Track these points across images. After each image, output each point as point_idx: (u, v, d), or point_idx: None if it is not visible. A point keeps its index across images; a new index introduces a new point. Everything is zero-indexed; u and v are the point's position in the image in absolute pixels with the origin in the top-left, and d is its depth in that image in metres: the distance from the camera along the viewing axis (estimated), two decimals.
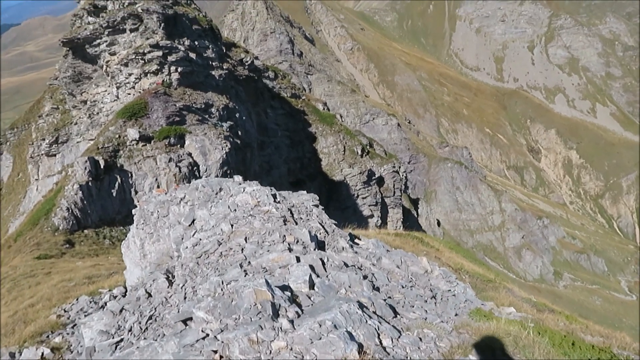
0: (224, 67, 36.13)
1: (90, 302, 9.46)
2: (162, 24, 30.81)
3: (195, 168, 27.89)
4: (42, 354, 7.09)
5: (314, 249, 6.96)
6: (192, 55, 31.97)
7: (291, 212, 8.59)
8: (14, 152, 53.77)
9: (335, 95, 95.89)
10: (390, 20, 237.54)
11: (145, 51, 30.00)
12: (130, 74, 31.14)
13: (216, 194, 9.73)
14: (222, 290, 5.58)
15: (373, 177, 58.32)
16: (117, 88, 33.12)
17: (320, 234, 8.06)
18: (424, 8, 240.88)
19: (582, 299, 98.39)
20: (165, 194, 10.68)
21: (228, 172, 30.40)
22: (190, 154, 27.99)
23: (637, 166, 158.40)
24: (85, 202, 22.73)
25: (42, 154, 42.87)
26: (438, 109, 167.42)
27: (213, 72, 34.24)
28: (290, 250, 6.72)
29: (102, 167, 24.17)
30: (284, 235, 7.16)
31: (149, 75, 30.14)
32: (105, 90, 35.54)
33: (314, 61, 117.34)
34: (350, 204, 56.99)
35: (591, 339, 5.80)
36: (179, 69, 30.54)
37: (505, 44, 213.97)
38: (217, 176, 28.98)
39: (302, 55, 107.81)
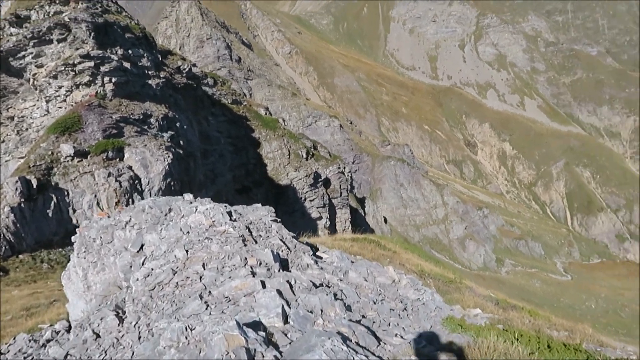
0: (161, 76, 34.98)
1: (30, 340, 8.23)
2: (92, 33, 29.36)
3: (136, 182, 26.75)
4: None
5: (279, 270, 6.60)
6: (127, 64, 30.69)
7: (249, 230, 8.11)
8: None
9: (276, 100, 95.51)
10: (326, 23, 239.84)
11: (76, 62, 28.47)
12: (60, 87, 29.48)
13: (165, 215, 8.97)
14: (186, 338, 4.84)
15: (319, 179, 58.47)
16: (47, 102, 31.27)
17: (282, 251, 7.68)
18: (359, 10, 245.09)
19: (523, 283, 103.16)
20: (108, 217, 9.69)
21: (172, 183, 29.42)
22: (130, 167, 26.81)
23: (564, 154, 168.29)
24: (18, 225, 21.19)
25: None
26: (378, 109, 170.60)
27: (150, 82, 33.05)
28: (253, 274, 6.26)
29: (34, 186, 22.65)
30: (245, 258, 6.69)
31: (80, 87, 28.62)
32: (34, 105, 33.48)
33: (253, 66, 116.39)
34: (298, 207, 56.89)
35: (557, 334, 5.87)
36: (113, 80, 29.22)
37: (437, 43, 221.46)
38: (160, 189, 27.95)
39: (240, 60, 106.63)
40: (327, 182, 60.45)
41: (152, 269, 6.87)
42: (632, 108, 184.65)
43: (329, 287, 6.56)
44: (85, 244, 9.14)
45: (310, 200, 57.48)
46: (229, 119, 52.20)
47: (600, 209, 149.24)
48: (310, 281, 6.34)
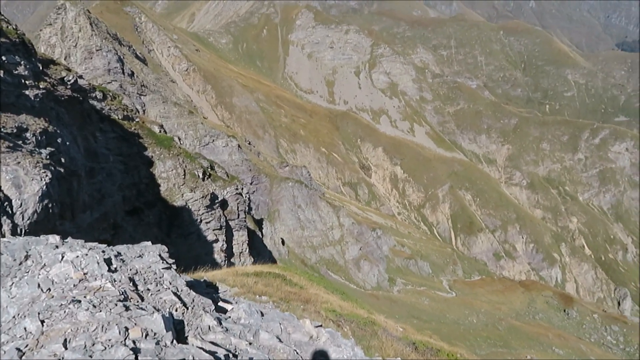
0: (41, 87, 31.80)
1: None
2: None
3: (6, 204, 23.69)
4: None
5: (172, 342, 5.02)
6: (0, 72, 27.45)
7: (134, 284, 6.47)
8: None
9: (172, 117, 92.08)
10: (225, 42, 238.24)
11: None
12: None
13: (20, 264, 6.90)
14: None
15: (216, 201, 56.81)
16: None
17: (177, 309, 6.16)
18: (258, 32, 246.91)
19: (414, 301, 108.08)
20: None
21: (50, 205, 26.54)
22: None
23: (449, 178, 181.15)
24: None
25: None
26: (277, 130, 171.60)
27: (27, 92, 29.84)
28: (137, 353, 4.64)
29: None
30: (126, 329, 5.01)
31: None
32: None
33: (147, 81, 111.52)
34: (194, 229, 54.73)
35: None
36: None
37: (334, 69, 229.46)
38: (35, 212, 25.06)
39: (133, 75, 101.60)
40: (224, 204, 58.98)
41: None
42: (506, 137, 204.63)
43: (237, 357, 5.43)
44: None
45: (207, 222, 55.52)
46: (120, 136, 48.98)
47: (480, 230, 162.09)
48: (213, 353, 5.13)
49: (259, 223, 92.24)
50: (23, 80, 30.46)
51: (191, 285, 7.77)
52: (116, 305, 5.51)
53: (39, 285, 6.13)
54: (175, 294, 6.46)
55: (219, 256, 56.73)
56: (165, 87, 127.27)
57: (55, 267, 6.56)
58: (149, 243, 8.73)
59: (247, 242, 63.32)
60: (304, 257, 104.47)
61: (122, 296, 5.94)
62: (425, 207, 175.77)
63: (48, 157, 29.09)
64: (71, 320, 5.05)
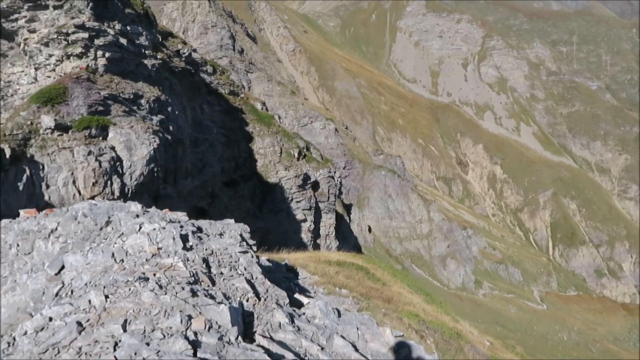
0: (158, 57, 33.76)
1: None
2: (91, 4, 28.07)
3: (118, 164, 25.53)
4: None
5: (236, 339, 4.47)
6: (123, 40, 29.43)
7: (208, 265, 6.04)
8: None
9: (274, 96, 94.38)
10: (333, 25, 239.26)
11: (69, 31, 27.16)
12: (50, 55, 28.16)
13: (100, 229, 6.84)
14: None
15: (308, 181, 57.55)
16: (36, 69, 29.92)
17: (248, 300, 5.61)
18: (367, 17, 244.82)
19: (499, 307, 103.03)
20: (35, 217, 7.56)
21: (155, 169, 28.23)
22: (113, 148, 25.59)
23: (553, 184, 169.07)
24: None
25: None
26: (375, 117, 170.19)
27: (145, 61, 31.82)
28: (196, 347, 4.17)
29: (7, 156, 21.36)
30: (189, 317, 4.54)
31: (72, 58, 27.31)
32: (22, 71, 32.08)
33: (255, 59, 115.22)
34: (284, 207, 55.92)
35: None
36: (107, 54, 27.95)
37: (441, 59, 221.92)
38: (142, 174, 26.76)
39: (243, 52, 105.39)
40: (315, 185, 59.56)
41: (51, 319, 4.67)
42: (625, 146, 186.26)
43: None
44: None
45: (297, 202, 56.51)
46: (224, 110, 51.06)
47: (583, 242, 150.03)
48: (281, 355, 4.58)
49: (347, 208, 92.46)
50: (143, 50, 32.48)
51: (269, 270, 7.40)
52: (183, 288, 5.11)
53: (113, 254, 6.04)
54: (248, 281, 5.98)
55: (305, 236, 57.65)
56: (271, 66, 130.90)
57: (132, 237, 6.36)
58: (232, 221, 8.27)
59: (334, 225, 63.68)
60: (389, 248, 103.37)
61: (193, 278, 5.58)
62: (523, 211, 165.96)
63: (158, 124, 30.90)
64: (134, 300, 4.77)
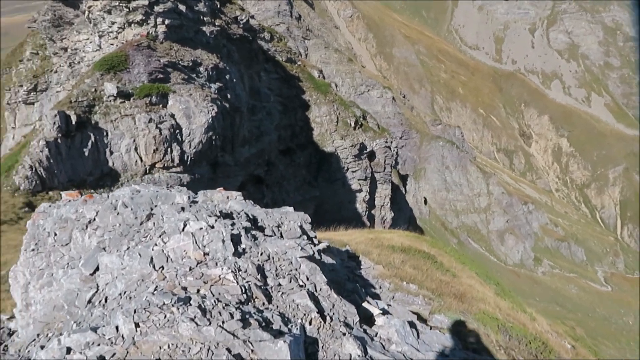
0: (217, 24, 33.56)
1: None
2: None
3: (177, 131, 25.78)
4: None
5: None
6: (182, 7, 29.34)
7: (263, 275, 5.18)
8: None
9: (331, 63, 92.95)
10: None
11: None
12: (113, 23, 28.53)
13: (141, 224, 6.07)
14: None
15: (364, 151, 56.73)
16: (100, 37, 30.50)
17: (312, 321, 4.71)
18: None
19: (559, 287, 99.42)
20: (75, 200, 6.96)
21: (213, 137, 28.35)
22: (172, 116, 25.81)
23: (625, 159, 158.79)
24: (52, 161, 20.61)
25: (19, 101, 40.34)
26: (434, 86, 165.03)
27: (204, 28, 31.69)
28: None
29: (74, 123, 21.96)
30: (239, 358, 3.79)
31: (132, 25, 27.55)
32: (87, 39, 32.86)
33: (312, 26, 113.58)
34: (340, 176, 55.52)
35: None
36: (167, 22, 27.98)
37: (506, 24, 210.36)
38: (201, 142, 26.92)
39: (300, 18, 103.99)
40: (372, 155, 58.63)
41: (69, 351, 3.92)
42: None
43: None
44: (36, 237, 6.67)
45: (353, 171, 55.93)
46: (281, 77, 50.68)
47: None
48: None
49: (403, 179, 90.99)
50: (202, 17, 32.33)
51: (332, 269, 6.36)
52: (232, 316, 4.14)
53: (151, 260, 5.26)
54: (311, 295, 5.08)
55: (360, 206, 57.20)
56: (328, 33, 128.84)
57: (174, 238, 5.49)
58: (291, 209, 7.35)
59: (389, 196, 62.79)
60: (445, 220, 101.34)
61: (244, 295, 4.68)
62: (590, 187, 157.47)
63: (216, 91, 30.91)
64: (170, 332, 3.90)
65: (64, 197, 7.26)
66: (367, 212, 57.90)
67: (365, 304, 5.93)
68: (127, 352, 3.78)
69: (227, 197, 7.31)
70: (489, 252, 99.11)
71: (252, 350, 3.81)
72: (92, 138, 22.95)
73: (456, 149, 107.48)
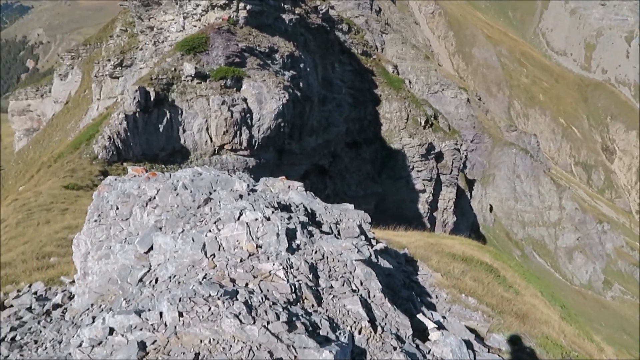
0: (296, 12, 33.85)
1: (39, 298, 6.98)
2: None
3: (248, 116, 26.33)
4: None
5: None
6: None
7: (315, 275, 4.95)
8: (84, 68, 54.42)
9: (407, 59, 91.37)
10: None
11: None
12: (197, 5, 29.51)
13: (198, 207, 6.05)
14: None
15: (432, 151, 55.53)
16: (184, 18, 31.65)
17: (361, 330, 4.43)
18: None
19: (629, 314, 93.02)
20: (139, 176, 7.04)
21: (282, 124, 28.72)
22: (245, 100, 26.38)
23: None
24: (129, 134, 21.72)
25: (106, 75, 42.77)
26: (512, 90, 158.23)
27: (283, 16, 32.07)
28: None
29: (152, 99, 22.98)
30: None
31: (216, 9, 28.34)
32: (172, 19, 34.20)
33: (391, 20, 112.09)
34: (405, 174, 54.69)
35: None
36: (248, 7, 28.54)
37: (600, 31, 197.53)
38: (269, 127, 27.35)
39: (380, 12, 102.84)
40: (439, 156, 57.29)
41: (112, 332, 3.92)
42: None
43: None
44: (100, 209, 6.81)
45: (418, 171, 54.91)
46: (355, 70, 50.46)
47: None
48: None
49: (470, 183, 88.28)
50: (282, 4, 32.73)
51: (388, 273, 5.99)
52: (278, 317, 3.95)
53: (204, 246, 5.17)
54: (364, 302, 4.80)
55: (422, 206, 56.14)
56: (407, 28, 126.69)
57: (229, 227, 5.33)
58: (351, 206, 7.03)
59: (454, 199, 61.22)
60: (510, 231, 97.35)
61: (294, 295, 4.48)
62: None
63: (289, 79, 31.25)
64: (213, 327, 3.75)
65: (130, 171, 7.38)
66: (428, 214, 56.77)
67: (419, 316, 5.64)
68: (168, 342, 3.71)
69: (289, 187, 7.18)
70: (554, 269, 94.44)
71: (295, 357, 3.60)
72: (168, 115, 23.92)
73: (530, 158, 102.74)
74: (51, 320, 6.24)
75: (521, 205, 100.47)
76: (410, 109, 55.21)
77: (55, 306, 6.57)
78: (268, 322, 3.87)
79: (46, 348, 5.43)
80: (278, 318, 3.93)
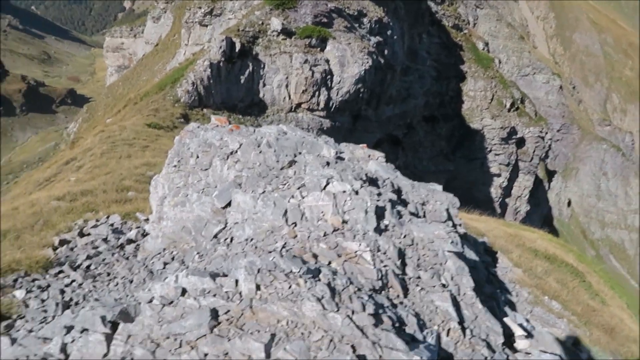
0: None
1: (115, 231, 7.15)
2: None
3: (328, 77, 26.17)
4: None
5: None
6: None
7: (403, 262, 4.53)
8: (176, 14, 55.94)
9: (499, 38, 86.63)
10: None
11: None
12: None
13: (281, 168, 5.62)
14: None
15: (514, 136, 53.07)
16: None
17: (449, 332, 4.02)
18: None
19: None
20: (224, 127, 6.77)
21: (361, 90, 28.34)
22: (327, 61, 26.18)
23: None
24: (211, 81, 22.28)
25: (195, 22, 43.68)
26: (612, 82, 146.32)
27: None
28: None
29: (237, 50, 23.34)
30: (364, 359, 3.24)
31: None
32: None
33: None
34: (481, 156, 52.80)
35: None
36: None
37: None
38: (348, 92, 27.08)
39: None
40: (520, 142, 54.67)
41: (184, 293, 3.71)
42: None
43: None
44: (180, 154, 6.69)
45: (496, 154, 52.79)
46: (443, 43, 48.57)
47: None
48: None
49: (550, 174, 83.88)
50: None
51: (473, 266, 5.42)
52: (364, 307, 3.55)
53: (285, 212, 4.83)
54: (454, 299, 4.32)
55: (495, 191, 54.18)
56: (504, 5, 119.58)
57: (313, 195, 4.93)
58: (439, 187, 6.46)
59: (530, 188, 58.56)
60: (587, 229, 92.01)
61: (380, 282, 4.07)
62: None
63: (375, 45, 30.59)
64: (292, 308, 3.44)
65: (213, 120, 7.23)
66: (500, 199, 54.78)
67: (507, 320, 5.11)
68: (242, 315, 3.46)
69: (369, 156, 6.73)
70: (630, 275, 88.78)
71: (380, 357, 3.21)
72: (250, 68, 24.25)
73: (621, 157, 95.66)
74: (124, 254, 6.41)
75: (603, 204, 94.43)
76: (497, 90, 52.69)
77: (129, 241, 6.79)
78: (353, 312, 3.49)
79: (117, 284, 5.55)
80: (364, 309, 3.54)
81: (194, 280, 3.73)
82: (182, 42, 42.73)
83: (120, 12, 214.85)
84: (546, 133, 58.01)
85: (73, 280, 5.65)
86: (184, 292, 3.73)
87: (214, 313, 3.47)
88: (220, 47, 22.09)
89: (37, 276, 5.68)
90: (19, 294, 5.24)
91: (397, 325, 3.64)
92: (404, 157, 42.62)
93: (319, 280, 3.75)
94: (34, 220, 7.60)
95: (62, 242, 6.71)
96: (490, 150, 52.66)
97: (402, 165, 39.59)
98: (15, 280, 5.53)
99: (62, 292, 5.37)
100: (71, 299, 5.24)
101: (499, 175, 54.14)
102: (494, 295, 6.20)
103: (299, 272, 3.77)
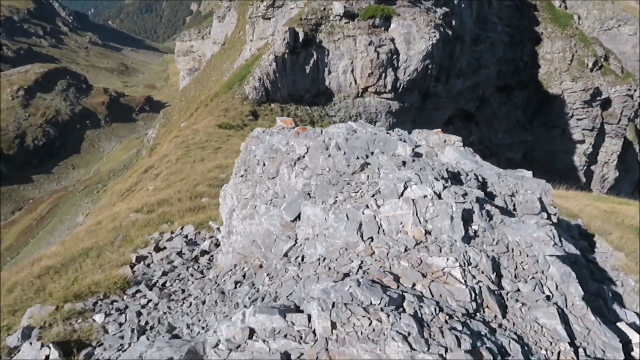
0: None
1: (189, 242, 7.24)
2: None
3: (394, 57, 25.27)
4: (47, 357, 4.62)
5: None
6: None
7: (498, 274, 3.95)
8: (240, 10, 56.58)
9: None
10: None
11: None
12: None
13: (353, 173, 5.13)
14: None
15: (598, 97, 49.19)
16: None
17: (559, 356, 3.42)
18: None
19: None
20: (290, 130, 6.40)
21: (430, 66, 27.15)
22: (392, 40, 25.26)
23: None
24: (277, 75, 22.20)
25: (258, 16, 43.89)
26: None
27: None
28: None
29: (300, 40, 23.05)
30: None
31: None
32: None
33: None
34: (561, 123, 49.47)
35: None
36: None
37: None
38: (416, 70, 26.03)
39: None
40: (606, 103, 50.65)
41: (252, 334, 3.38)
42: None
43: None
44: (247, 163, 6.42)
45: (578, 119, 49.22)
46: (515, 5, 45.61)
47: None
48: None
49: None
50: None
51: (575, 261, 4.74)
52: (459, 341, 3.04)
53: (360, 226, 4.31)
54: (561, 314, 3.71)
55: (578, 158, 50.73)
56: None
57: (390, 204, 4.40)
58: (529, 174, 5.65)
59: (618, 152, 54.18)
60: None
61: (474, 303, 3.54)
62: None
63: (441, 17, 29.10)
64: (374, 350, 2.98)
65: (278, 122, 6.93)
66: (585, 167, 51.16)
67: (621, 325, 4.32)
68: (317, 359, 3.09)
69: (444, 141, 6.17)
70: None
71: None
72: (315, 56, 23.91)
73: None
74: (199, 267, 6.45)
75: None
76: (577, 49, 48.90)
77: (203, 252, 6.85)
78: (446, 350, 2.99)
79: (190, 305, 5.58)
80: (459, 344, 3.04)
81: (262, 319, 3.41)
82: (247, 37, 43.07)
83: (188, 15, 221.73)
84: (635, 90, 53.29)
85: (149, 300, 5.75)
86: (251, 333, 3.41)
87: (286, 357, 3.13)
88: (284, 39, 21.89)
89: (116, 297, 5.79)
90: (99, 318, 5.35)
91: (498, 357, 3.15)
92: (477, 131, 40.71)
93: (404, 311, 3.31)
94: (114, 235, 7.80)
95: (139, 259, 6.83)
96: (572, 116, 49.21)
97: (476, 141, 37.85)
98: (95, 304, 5.63)
99: (139, 314, 5.48)
100: (147, 323, 5.35)
101: (582, 142, 50.57)
102: (600, 293, 5.44)
103: (379, 303, 3.33)
